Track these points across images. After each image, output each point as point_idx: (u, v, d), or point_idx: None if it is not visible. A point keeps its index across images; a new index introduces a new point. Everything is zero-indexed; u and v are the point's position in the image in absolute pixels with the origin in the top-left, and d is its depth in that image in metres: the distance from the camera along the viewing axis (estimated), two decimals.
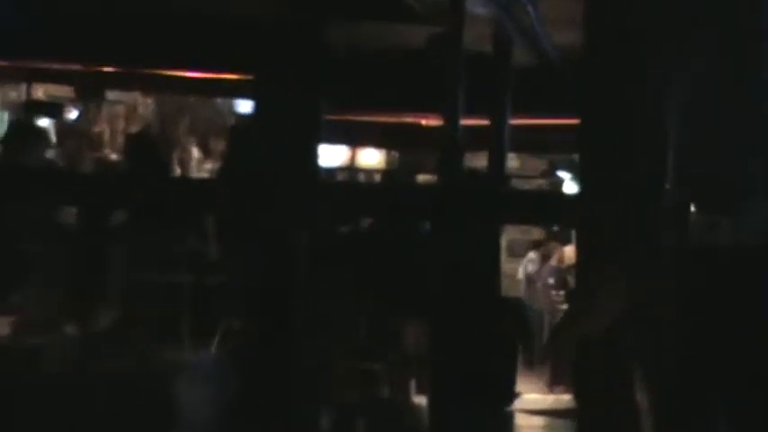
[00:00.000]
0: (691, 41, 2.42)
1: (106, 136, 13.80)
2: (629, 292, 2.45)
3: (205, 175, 14.01)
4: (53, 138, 12.57)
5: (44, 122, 12.55)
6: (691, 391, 2.40)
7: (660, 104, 2.46)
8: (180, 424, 5.82)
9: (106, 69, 11.04)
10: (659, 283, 2.43)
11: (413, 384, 8.20)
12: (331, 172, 15.14)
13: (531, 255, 15.65)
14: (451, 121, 7.71)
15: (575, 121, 4.71)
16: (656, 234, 2.43)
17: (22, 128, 9.67)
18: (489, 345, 7.58)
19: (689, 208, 2.38)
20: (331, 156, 15.96)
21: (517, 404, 8.44)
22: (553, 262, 13.98)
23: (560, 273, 13.49)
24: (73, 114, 13.86)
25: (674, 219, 2.39)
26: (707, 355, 2.37)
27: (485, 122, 9.22)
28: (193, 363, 7.31)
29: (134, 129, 13.37)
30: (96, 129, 13.76)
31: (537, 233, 16.67)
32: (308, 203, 4.45)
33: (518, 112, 9.41)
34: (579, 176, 4.69)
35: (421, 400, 7.77)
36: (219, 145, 14.55)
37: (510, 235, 16.26)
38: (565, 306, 12.17)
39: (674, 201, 2.40)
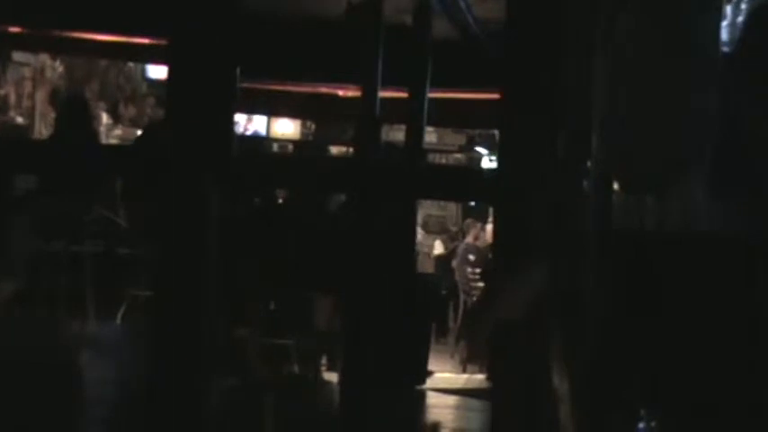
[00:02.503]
0: (618, 18, 2.32)
1: (12, 99, 13.50)
2: (548, 273, 2.37)
3: (114, 141, 13.81)
4: None
5: None
6: (609, 375, 2.31)
7: (585, 82, 2.36)
8: (84, 396, 5.69)
9: (12, 29, 10.72)
10: (580, 265, 2.34)
11: (324, 361, 8.13)
12: (245, 141, 14.98)
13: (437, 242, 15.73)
14: (369, 92, 7.60)
15: (495, 96, 4.61)
16: (578, 215, 2.34)
17: None
18: (402, 322, 7.50)
19: (612, 187, 2.28)
20: (245, 125, 15.81)
21: (430, 383, 8.40)
22: (470, 239, 13.95)
23: (477, 251, 13.47)
24: None
25: (597, 198, 2.30)
26: (628, 340, 2.29)
27: (403, 95, 9.11)
28: (98, 334, 7.18)
29: (41, 92, 13.13)
30: (1, 91, 13.46)
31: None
32: (221, 173, 4.28)
33: (438, 86, 9.31)
34: (498, 153, 4.61)
35: (332, 377, 7.70)
36: (129, 111, 14.34)
37: (426, 211, 16.28)
38: (480, 284, 12.16)
39: (596, 179, 2.30)
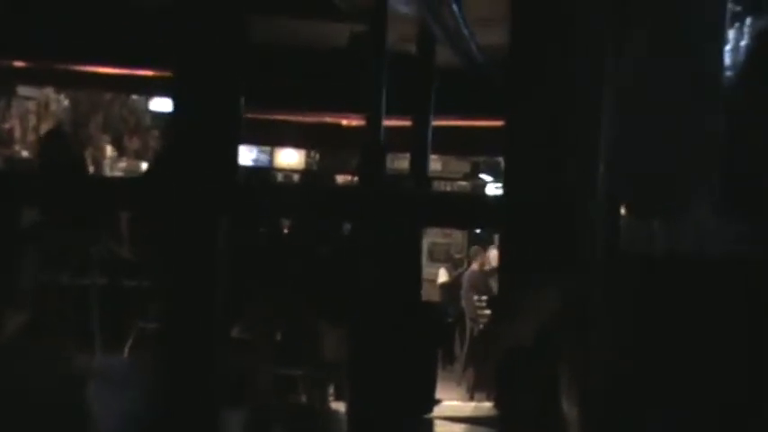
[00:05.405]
0: (623, 40, 2.33)
1: (17, 132, 13.54)
2: (555, 298, 2.37)
3: (119, 173, 13.84)
4: None
5: None
6: (622, 403, 2.31)
7: (590, 105, 2.37)
8: (91, 429, 5.67)
9: (17, 64, 10.77)
10: (588, 289, 2.34)
11: (331, 391, 8.11)
12: (250, 172, 15.00)
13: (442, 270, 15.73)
14: (374, 121, 7.63)
15: (499, 123, 4.64)
16: (586, 238, 2.34)
17: None
18: (409, 351, 7.49)
19: (620, 211, 2.28)
20: (250, 155, 15.84)
21: (437, 411, 8.37)
22: (475, 266, 13.94)
23: (483, 278, 13.46)
24: None
25: (605, 222, 2.30)
26: (639, 367, 2.28)
27: (407, 123, 9.14)
28: (106, 367, 7.16)
29: (46, 125, 13.16)
30: (6, 125, 13.50)
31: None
32: (227, 204, 4.30)
33: (441, 113, 9.34)
34: (503, 179, 4.64)
35: (340, 407, 7.69)
36: (134, 143, 14.38)
37: (431, 239, 16.27)
38: (487, 311, 12.14)
39: (604, 204, 2.30)
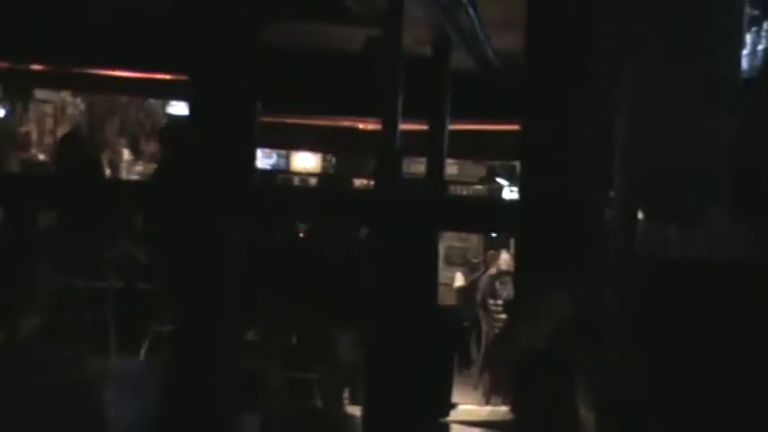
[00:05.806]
0: (639, 41, 2.32)
1: (34, 136, 13.58)
2: (570, 301, 2.35)
3: (135, 176, 13.86)
4: None
5: None
6: (634, 405, 2.29)
7: (605, 108, 2.35)
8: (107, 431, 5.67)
9: (34, 67, 10.80)
10: (602, 293, 2.33)
11: (347, 394, 8.10)
12: (266, 175, 15.01)
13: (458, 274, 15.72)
14: (389, 125, 7.61)
15: (515, 127, 4.63)
16: (600, 242, 2.32)
17: None
18: (425, 354, 7.48)
19: (636, 215, 2.27)
20: (266, 159, 15.86)
21: (453, 415, 8.36)
22: (493, 270, 13.93)
23: (499, 282, 13.44)
24: None
25: (620, 227, 2.28)
26: (651, 371, 2.27)
27: (423, 127, 9.13)
28: (121, 370, 7.17)
29: (63, 129, 13.19)
30: (24, 128, 13.53)
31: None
32: (242, 207, 4.30)
33: (457, 118, 9.33)
34: (519, 183, 4.63)
35: (355, 411, 7.68)
36: (150, 146, 14.40)
37: (447, 242, 16.26)
38: (503, 316, 12.11)
39: (620, 208, 2.29)
